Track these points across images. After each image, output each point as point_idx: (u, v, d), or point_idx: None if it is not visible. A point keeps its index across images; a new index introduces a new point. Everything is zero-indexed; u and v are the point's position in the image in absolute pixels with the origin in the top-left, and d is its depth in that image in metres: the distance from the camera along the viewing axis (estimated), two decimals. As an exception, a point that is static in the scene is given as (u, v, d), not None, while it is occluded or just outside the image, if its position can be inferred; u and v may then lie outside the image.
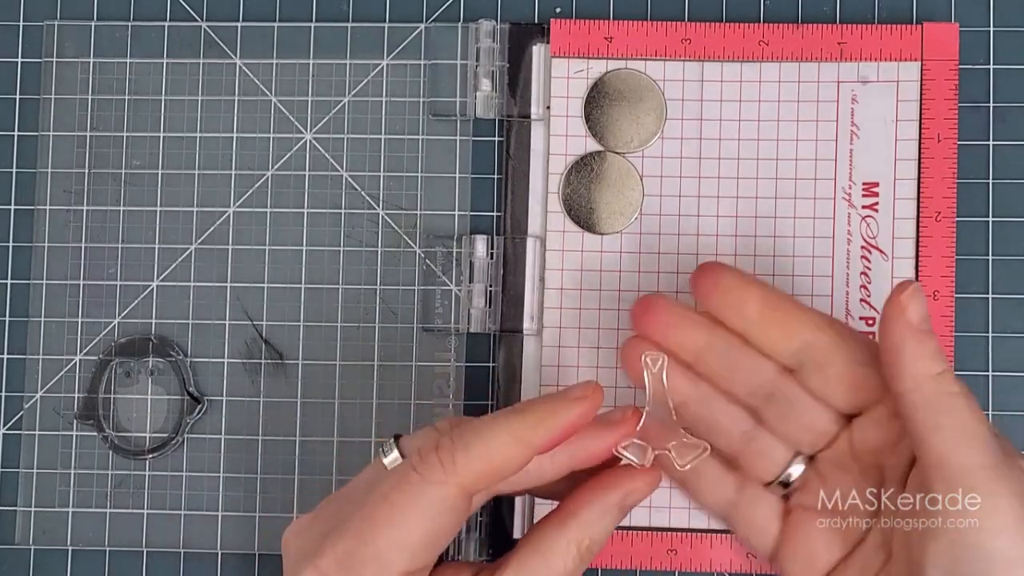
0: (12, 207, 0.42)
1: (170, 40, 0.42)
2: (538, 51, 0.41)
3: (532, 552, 0.33)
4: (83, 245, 0.42)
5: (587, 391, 0.33)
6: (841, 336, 0.34)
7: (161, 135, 0.42)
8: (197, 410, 0.41)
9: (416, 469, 0.31)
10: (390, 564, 0.31)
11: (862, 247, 0.40)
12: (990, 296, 0.40)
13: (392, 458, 0.33)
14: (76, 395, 0.42)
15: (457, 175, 0.42)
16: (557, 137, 0.41)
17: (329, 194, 0.42)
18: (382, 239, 0.42)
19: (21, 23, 0.43)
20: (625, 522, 0.39)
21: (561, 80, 0.41)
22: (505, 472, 0.32)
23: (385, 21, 0.42)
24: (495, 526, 0.40)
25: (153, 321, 0.42)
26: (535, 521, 0.39)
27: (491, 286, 0.41)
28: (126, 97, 0.42)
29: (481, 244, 0.41)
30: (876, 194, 0.40)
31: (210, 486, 0.41)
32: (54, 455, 0.41)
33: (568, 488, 0.34)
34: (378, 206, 0.42)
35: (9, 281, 0.42)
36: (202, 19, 0.43)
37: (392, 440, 0.34)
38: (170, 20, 0.43)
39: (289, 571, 0.33)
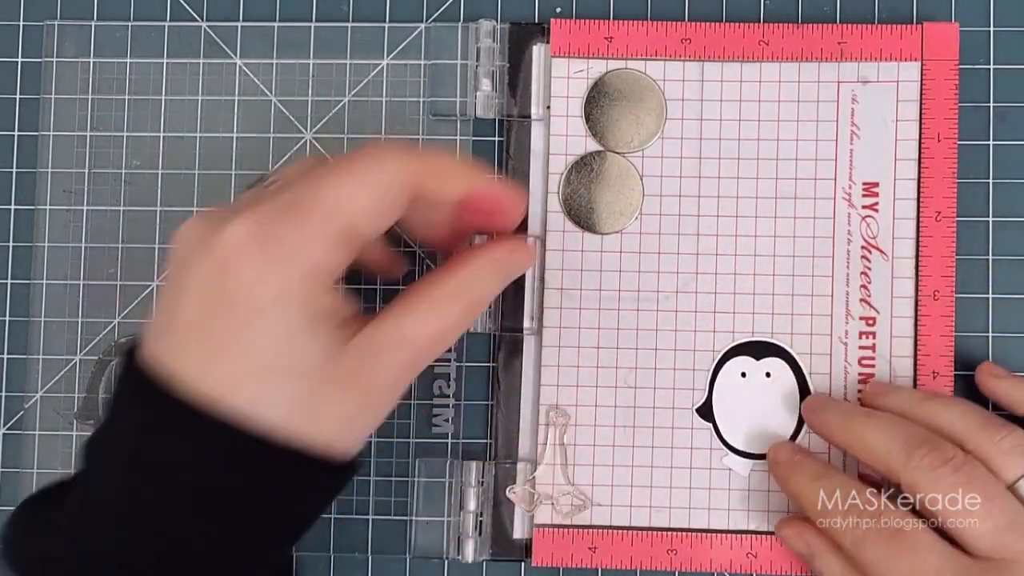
0: (12, 207, 0.42)
1: (170, 40, 0.42)
2: (538, 51, 0.41)
3: (418, 297, 0.33)
4: (83, 245, 0.42)
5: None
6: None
7: (161, 135, 0.42)
8: (197, 410, 0.41)
9: (378, 145, 0.32)
10: (336, 214, 0.31)
11: (862, 247, 0.40)
12: (990, 296, 0.40)
13: None
14: (76, 395, 0.42)
15: (457, 175, 0.42)
16: (557, 137, 0.41)
17: (329, 194, 0.42)
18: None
19: (21, 23, 0.43)
20: (625, 522, 0.40)
21: (561, 80, 0.41)
22: (451, 184, 0.33)
23: (385, 21, 0.42)
24: (496, 527, 0.40)
25: (153, 321, 0.42)
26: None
27: (491, 286, 0.41)
28: (126, 97, 0.42)
29: (481, 244, 0.41)
30: (876, 194, 0.40)
31: (210, 486, 0.41)
32: (54, 455, 0.41)
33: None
34: (378, 206, 0.42)
35: (9, 281, 0.42)
36: (202, 19, 0.43)
37: None
38: (170, 20, 0.43)
39: (202, 233, 0.31)
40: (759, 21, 0.41)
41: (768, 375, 0.40)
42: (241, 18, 0.43)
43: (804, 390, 0.40)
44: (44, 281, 0.42)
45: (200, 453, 0.30)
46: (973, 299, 0.40)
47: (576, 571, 0.40)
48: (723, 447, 0.40)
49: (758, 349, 0.40)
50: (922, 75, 0.40)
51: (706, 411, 0.40)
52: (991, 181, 0.41)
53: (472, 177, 0.34)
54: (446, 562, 0.41)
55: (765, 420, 0.40)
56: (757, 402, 0.40)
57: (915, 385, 0.39)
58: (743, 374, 0.40)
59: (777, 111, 0.41)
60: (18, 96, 0.43)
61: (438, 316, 0.32)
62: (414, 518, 0.40)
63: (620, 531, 0.40)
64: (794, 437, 0.40)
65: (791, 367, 0.40)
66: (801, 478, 0.37)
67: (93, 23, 0.43)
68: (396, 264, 0.40)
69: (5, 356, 0.42)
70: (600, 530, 0.40)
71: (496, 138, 0.42)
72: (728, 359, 0.40)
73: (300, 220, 0.30)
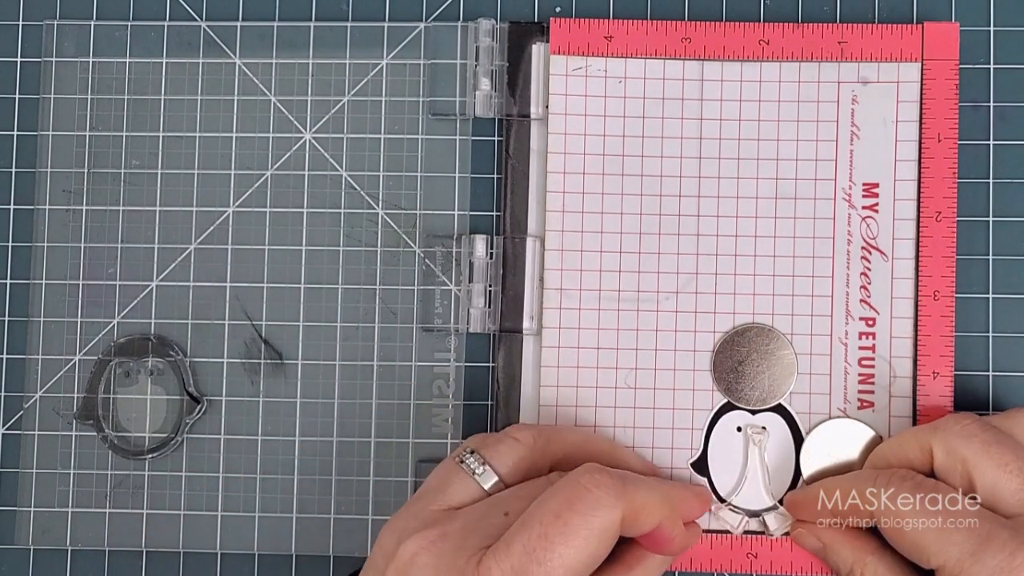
0: (12, 207, 0.42)
1: (170, 40, 0.42)
2: (538, 50, 0.41)
3: None
4: (83, 245, 0.42)
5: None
6: None
7: (161, 135, 0.42)
8: (196, 410, 0.41)
9: (590, 490, 0.32)
10: None
11: (862, 247, 0.40)
12: (990, 296, 0.40)
13: (488, 479, 0.35)
14: (76, 395, 0.42)
15: (457, 175, 0.42)
16: (556, 136, 0.41)
17: (329, 194, 0.42)
18: (382, 239, 0.42)
19: (21, 23, 0.43)
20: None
21: (559, 78, 0.41)
22: (648, 521, 0.33)
23: (385, 20, 0.42)
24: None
25: (152, 321, 0.42)
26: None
27: (491, 286, 0.41)
28: (126, 97, 0.42)
29: (481, 244, 0.41)
30: (876, 195, 0.40)
31: (209, 486, 0.41)
32: (54, 455, 0.41)
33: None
34: (378, 206, 0.42)
35: (9, 281, 0.42)
36: (202, 19, 0.43)
37: (474, 454, 0.35)
38: (170, 20, 0.43)
39: None
40: (759, 21, 0.41)
41: (763, 429, 0.40)
42: (240, 17, 0.43)
43: (799, 446, 0.40)
44: (43, 281, 0.42)
45: None
46: (973, 299, 0.40)
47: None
48: (718, 500, 0.40)
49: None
50: (922, 75, 0.40)
51: (701, 466, 0.40)
52: (991, 181, 0.41)
53: (663, 514, 0.34)
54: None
55: (760, 476, 0.40)
56: (752, 458, 0.40)
57: (915, 385, 0.39)
58: (738, 428, 0.40)
59: (777, 111, 0.40)
60: (17, 96, 0.43)
61: None
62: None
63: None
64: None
65: (787, 422, 0.40)
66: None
67: (93, 23, 0.43)
68: None
69: (5, 356, 0.42)
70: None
71: (495, 137, 0.42)
72: (724, 413, 0.40)
73: None
